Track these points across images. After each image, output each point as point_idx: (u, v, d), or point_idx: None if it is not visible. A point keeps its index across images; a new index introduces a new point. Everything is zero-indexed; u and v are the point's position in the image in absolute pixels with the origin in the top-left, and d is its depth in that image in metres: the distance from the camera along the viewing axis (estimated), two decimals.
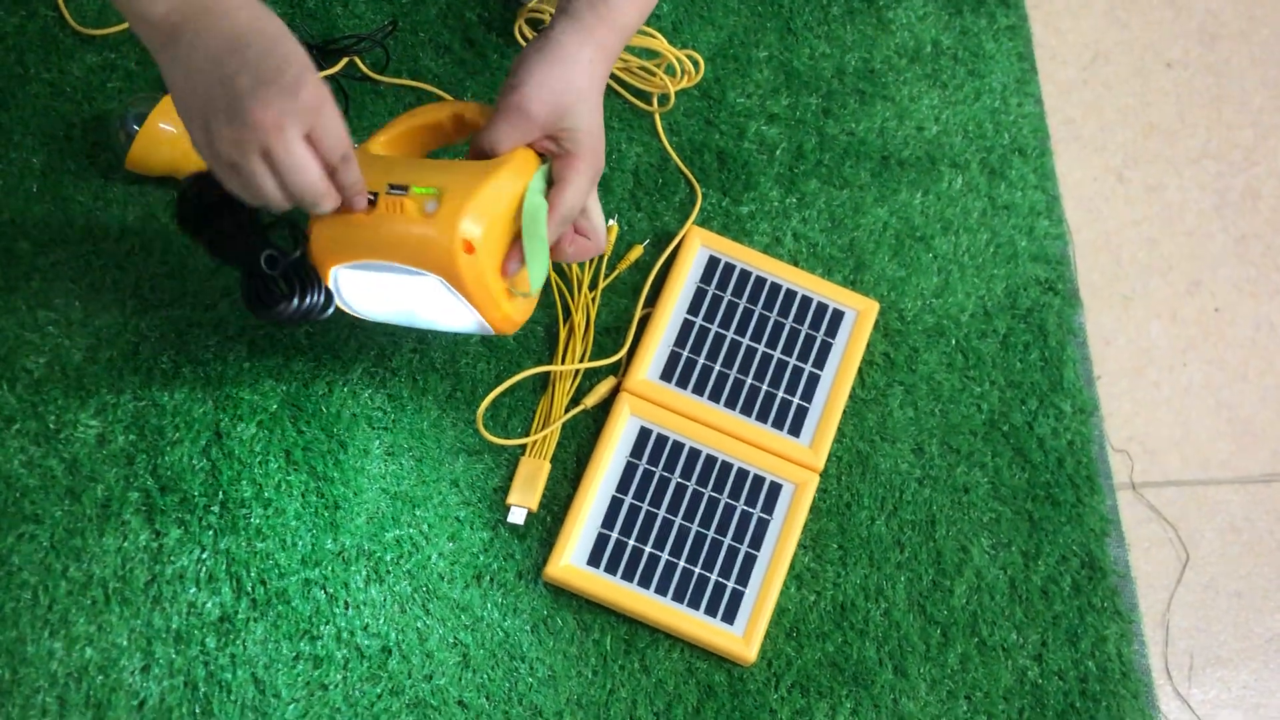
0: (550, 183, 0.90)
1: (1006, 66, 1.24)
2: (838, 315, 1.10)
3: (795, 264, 1.13)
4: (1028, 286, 1.15)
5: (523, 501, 1.01)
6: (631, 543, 1.01)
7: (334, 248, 0.88)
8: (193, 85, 0.79)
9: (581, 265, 1.10)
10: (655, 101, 1.17)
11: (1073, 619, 1.04)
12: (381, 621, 0.98)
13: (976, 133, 1.21)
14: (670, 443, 1.04)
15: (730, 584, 1.01)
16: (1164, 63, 1.38)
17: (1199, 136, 1.35)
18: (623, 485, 1.03)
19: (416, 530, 1.00)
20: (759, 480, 1.04)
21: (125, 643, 0.95)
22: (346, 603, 0.98)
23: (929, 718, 1.00)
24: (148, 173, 1.06)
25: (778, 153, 1.17)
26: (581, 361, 1.07)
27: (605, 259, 1.11)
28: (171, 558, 0.97)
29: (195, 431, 1.00)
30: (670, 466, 1.03)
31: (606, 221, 1.02)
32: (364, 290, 0.92)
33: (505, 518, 1.02)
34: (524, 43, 1.17)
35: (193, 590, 0.96)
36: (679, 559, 1.01)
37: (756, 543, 1.02)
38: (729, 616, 1.00)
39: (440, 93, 1.14)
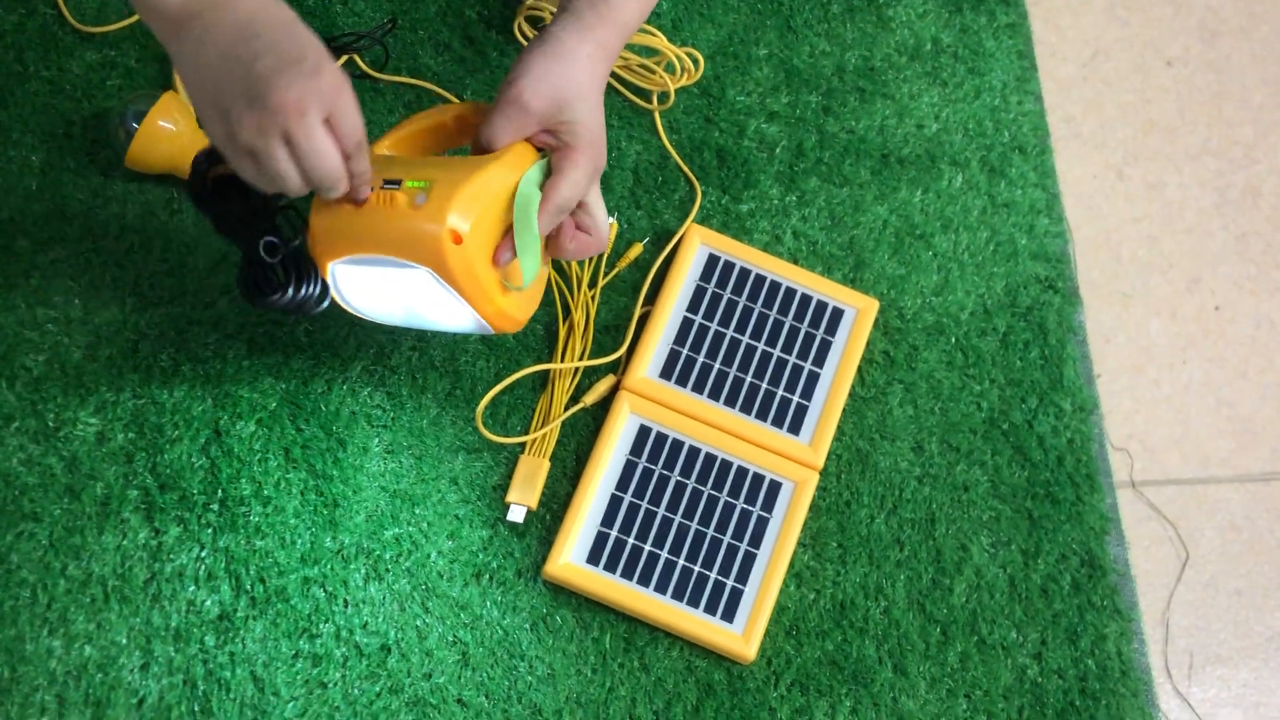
0: (548, 176, 0.90)
1: (1006, 64, 1.24)
2: (837, 313, 1.10)
3: (795, 262, 1.13)
4: (1028, 284, 1.15)
5: (522, 500, 1.01)
6: (631, 541, 1.01)
7: (329, 242, 0.88)
8: (209, 74, 0.79)
9: (581, 263, 1.10)
10: (655, 99, 1.17)
11: (1072, 617, 1.04)
12: (381, 620, 0.98)
13: (976, 130, 1.21)
14: (670, 441, 1.04)
15: (730, 582, 1.01)
16: (1164, 60, 1.38)
17: (1199, 134, 1.35)
18: (622, 483, 1.03)
19: (416, 528, 1.00)
20: (759, 478, 1.04)
21: (124, 641, 0.95)
22: (346, 601, 0.98)
23: (928, 716, 1.00)
24: (147, 170, 1.06)
25: (777, 151, 1.17)
26: (581, 359, 1.07)
27: (605, 257, 1.11)
28: (171, 556, 0.97)
29: (194, 429, 1.00)
30: (670, 465, 1.03)
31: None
32: (364, 289, 0.92)
33: (504, 516, 1.02)
34: (523, 41, 1.17)
35: (192, 588, 0.96)
36: (678, 557, 1.01)
37: (756, 541, 1.02)
38: (728, 615, 1.00)
39: (440, 90, 1.14)
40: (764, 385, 1.07)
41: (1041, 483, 1.08)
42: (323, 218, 0.88)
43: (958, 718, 1.00)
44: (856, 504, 1.06)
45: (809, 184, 1.16)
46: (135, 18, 1.12)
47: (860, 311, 1.10)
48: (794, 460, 1.04)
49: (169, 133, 1.04)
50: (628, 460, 1.03)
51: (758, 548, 1.02)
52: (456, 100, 1.14)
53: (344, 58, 1.13)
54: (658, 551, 1.01)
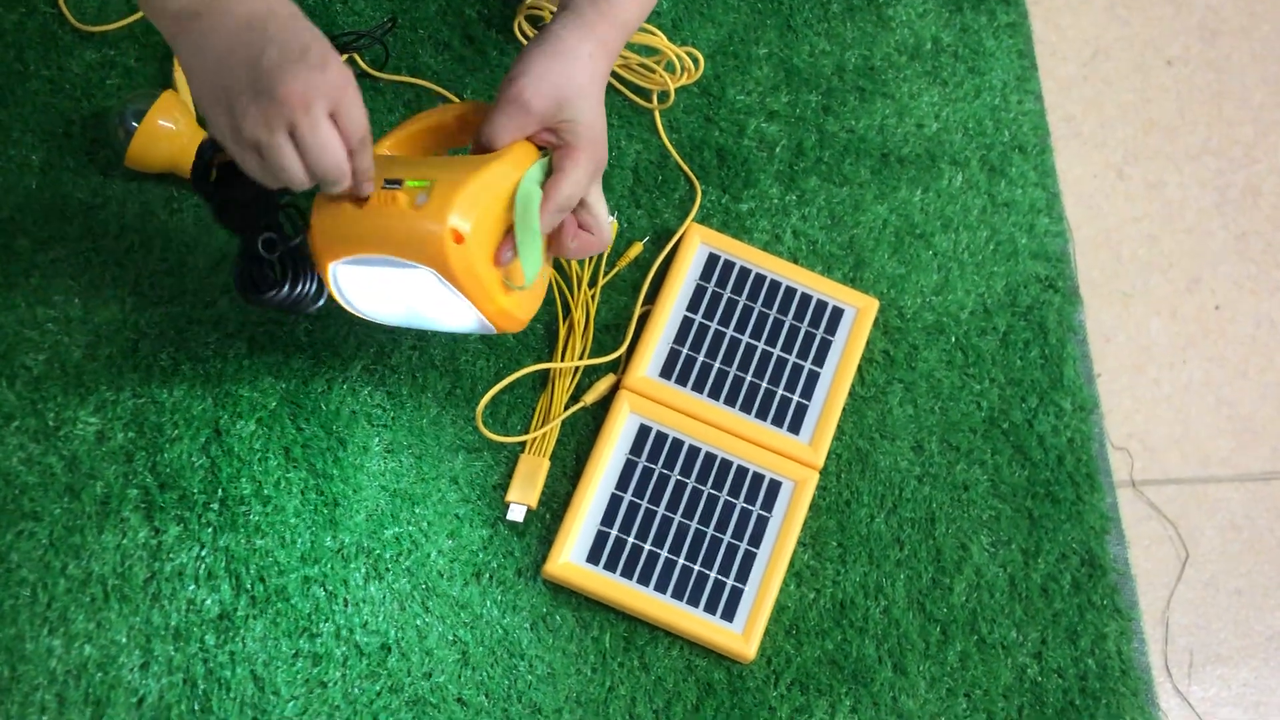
0: (549, 175, 0.90)
1: (1007, 63, 1.24)
2: (837, 313, 1.10)
3: (795, 261, 1.13)
4: (1028, 284, 1.15)
5: (522, 499, 1.01)
6: (631, 540, 1.01)
7: (330, 242, 0.88)
8: (214, 68, 0.79)
9: (581, 262, 1.10)
10: (655, 98, 1.17)
11: (1072, 617, 1.04)
12: (381, 619, 0.98)
13: (976, 130, 1.20)
14: (670, 440, 1.04)
15: (730, 581, 1.01)
16: (1164, 59, 1.38)
17: (1199, 133, 1.35)
18: (622, 482, 1.03)
19: (416, 527, 1.00)
20: (758, 478, 1.04)
21: (124, 640, 0.95)
22: (346, 600, 0.98)
23: (928, 715, 1.00)
24: (147, 169, 1.06)
25: (777, 150, 1.17)
26: (581, 359, 1.07)
27: (605, 256, 1.11)
28: (171, 555, 0.97)
29: (194, 429, 1.00)
30: (670, 464, 1.03)
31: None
32: (366, 289, 0.92)
33: (504, 515, 1.02)
34: (523, 40, 1.17)
35: (192, 587, 0.96)
36: (678, 556, 1.01)
37: (756, 540, 1.02)
38: (728, 614, 1.00)
39: (440, 90, 1.14)
40: (764, 384, 1.07)
41: (1041, 482, 1.08)
42: (324, 218, 0.88)
43: (957, 717, 1.00)
44: (856, 503, 1.06)
45: (809, 183, 1.16)
46: (135, 17, 1.12)
47: (860, 311, 1.10)
48: (794, 459, 1.04)
49: (168, 132, 1.04)
50: (628, 459, 1.03)
51: (757, 547, 1.02)
52: (457, 99, 1.14)
53: (344, 57, 1.13)
54: (657, 551, 1.01)
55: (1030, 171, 1.19)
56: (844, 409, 1.08)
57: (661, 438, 1.04)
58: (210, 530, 0.98)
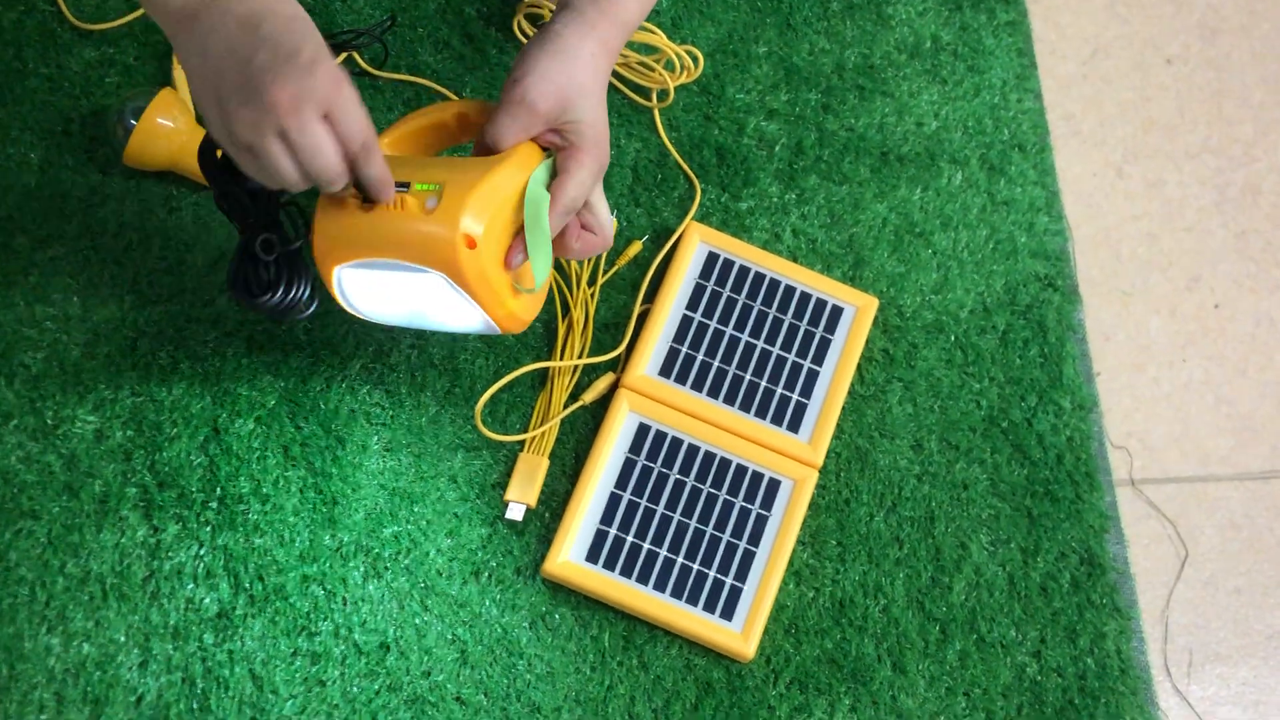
0: (554, 176, 0.90)
1: (1006, 62, 1.24)
2: (837, 311, 1.10)
3: (794, 260, 1.13)
4: (1027, 282, 1.15)
5: (521, 498, 1.01)
6: (630, 539, 1.01)
7: (336, 247, 0.87)
8: (209, 68, 0.79)
9: (580, 261, 1.09)
10: (654, 97, 1.17)
11: (1072, 616, 1.04)
12: (379, 618, 0.97)
13: (976, 128, 1.20)
14: (669, 439, 1.04)
15: (729, 580, 1.01)
16: (1164, 58, 1.38)
17: (1199, 132, 1.35)
18: (621, 481, 1.02)
19: (415, 526, 1.00)
20: (758, 476, 1.04)
21: (123, 638, 0.95)
22: (344, 599, 0.98)
23: (927, 714, 1.00)
24: (145, 167, 1.06)
25: (777, 148, 1.17)
26: (580, 357, 1.07)
27: (604, 255, 1.10)
28: (169, 553, 0.97)
29: (193, 427, 1.00)
30: (669, 463, 1.03)
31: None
32: (369, 292, 0.92)
33: (503, 514, 1.02)
34: (523, 38, 1.17)
35: (190, 586, 0.96)
36: (677, 555, 1.01)
37: (755, 539, 1.02)
38: (727, 613, 1.00)
39: (439, 88, 1.14)
40: (763, 383, 1.07)
41: (1041, 481, 1.08)
42: (329, 220, 0.87)
43: (957, 716, 1.00)
44: (856, 502, 1.06)
45: (808, 182, 1.16)
46: (134, 15, 1.12)
47: (860, 309, 1.10)
48: (793, 458, 1.04)
49: (167, 130, 1.04)
50: (627, 458, 1.03)
51: (757, 546, 1.02)
52: (456, 98, 1.14)
53: (343, 55, 1.13)
54: (657, 549, 1.01)
55: (1030, 170, 1.19)
56: (843, 408, 1.08)
57: (661, 436, 1.04)
58: (209, 529, 0.98)
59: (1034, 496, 1.08)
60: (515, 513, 1.01)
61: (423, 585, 0.99)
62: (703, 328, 1.08)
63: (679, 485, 1.03)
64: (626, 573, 1.00)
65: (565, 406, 1.05)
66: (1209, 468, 1.21)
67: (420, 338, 1.06)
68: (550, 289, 1.08)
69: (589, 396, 1.05)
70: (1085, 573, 1.06)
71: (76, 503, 0.97)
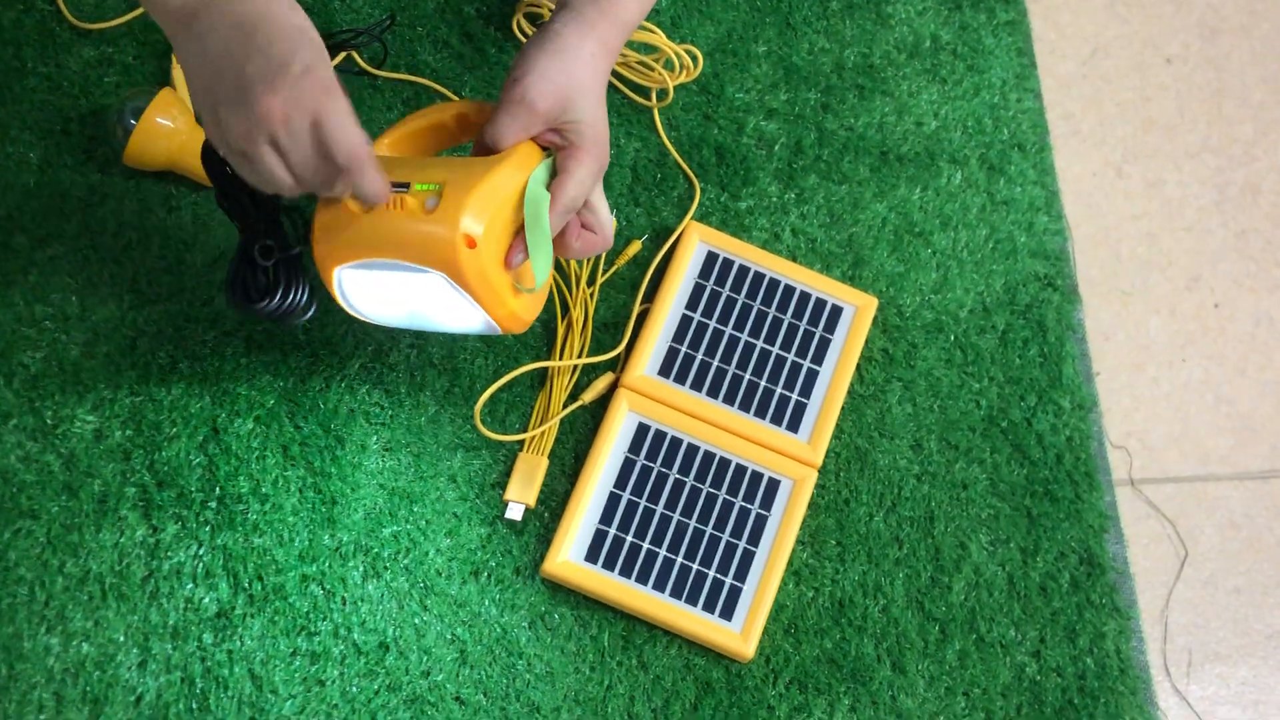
0: (554, 175, 0.90)
1: (1006, 61, 1.24)
2: (836, 311, 1.10)
3: (794, 259, 1.13)
4: (1027, 282, 1.15)
5: (520, 497, 1.01)
6: (629, 539, 1.01)
7: (336, 247, 0.87)
8: (205, 72, 0.79)
9: (580, 261, 1.09)
10: (654, 96, 1.17)
11: (1071, 615, 1.04)
12: (379, 617, 0.97)
13: (976, 128, 1.20)
14: (668, 438, 1.04)
15: (728, 580, 1.00)
16: (1164, 57, 1.38)
17: (1199, 131, 1.35)
18: (620, 481, 1.02)
19: (414, 526, 1.00)
20: (757, 476, 1.04)
21: (122, 638, 0.95)
22: (344, 598, 0.98)
23: (927, 714, 1.00)
24: (145, 167, 1.06)
25: (776, 148, 1.17)
26: (580, 357, 1.07)
27: (604, 254, 1.10)
28: (168, 553, 0.97)
29: (192, 427, 1.00)
30: (668, 462, 1.03)
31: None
32: (369, 293, 0.92)
33: (503, 514, 1.02)
34: (522, 38, 1.17)
35: (190, 586, 0.96)
36: (677, 555, 1.01)
37: (755, 539, 1.02)
38: (727, 613, 1.00)
39: (438, 87, 1.14)
40: (763, 383, 1.06)
41: (1040, 480, 1.08)
42: (328, 221, 0.87)
43: (956, 716, 1.00)
44: (855, 502, 1.06)
45: (808, 181, 1.16)
46: (133, 14, 1.12)
47: (859, 309, 1.10)
48: (793, 458, 1.04)
49: (167, 129, 1.04)
50: (626, 458, 1.03)
51: (756, 545, 1.02)
52: (455, 97, 1.14)
53: (342, 54, 1.13)
54: (656, 549, 1.01)
55: (1029, 169, 1.19)
56: (843, 407, 1.08)
57: (660, 436, 1.04)
58: (208, 528, 0.98)
59: (1033, 496, 1.08)
60: (514, 512, 1.01)
61: (422, 585, 0.99)
62: (702, 327, 1.08)
63: (678, 485, 1.03)
64: (626, 572, 1.00)
65: (565, 406, 1.05)
66: (1208, 467, 1.21)
67: (419, 337, 1.06)
68: (550, 289, 1.08)
69: (588, 396, 1.05)
70: (1085, 572, 1.06)
71: (76, 502, 0.97)
